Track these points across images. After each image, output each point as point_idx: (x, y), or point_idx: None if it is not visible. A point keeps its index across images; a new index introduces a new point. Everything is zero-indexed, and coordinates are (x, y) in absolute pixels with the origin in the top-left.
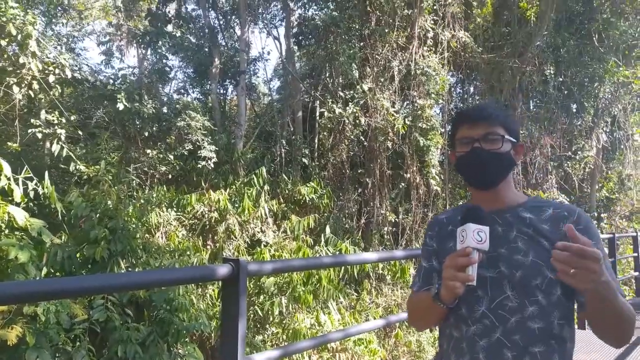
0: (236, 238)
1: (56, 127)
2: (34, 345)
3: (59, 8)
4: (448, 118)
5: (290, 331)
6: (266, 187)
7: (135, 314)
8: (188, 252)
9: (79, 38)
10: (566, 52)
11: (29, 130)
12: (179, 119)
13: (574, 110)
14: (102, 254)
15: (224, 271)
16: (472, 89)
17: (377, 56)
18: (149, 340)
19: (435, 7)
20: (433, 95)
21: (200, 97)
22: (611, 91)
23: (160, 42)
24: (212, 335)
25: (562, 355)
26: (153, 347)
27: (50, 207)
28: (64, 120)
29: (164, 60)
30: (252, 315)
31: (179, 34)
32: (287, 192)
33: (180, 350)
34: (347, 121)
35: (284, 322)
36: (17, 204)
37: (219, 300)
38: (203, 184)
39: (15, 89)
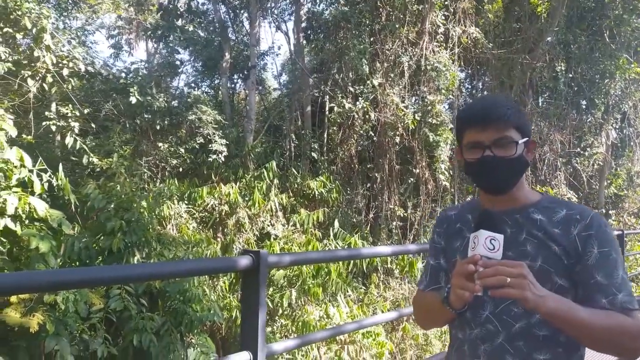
0: (246, 231)
1: (70, 120)
2: (53, 333)
3: (70, 1)
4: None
5: (300, 323)
6: (276, 181)
7: (150, 304)
8: (201, 245)
9: (90, 31)
10: (577, 48)
11: (43, 123)
12: (190, 112)
13: (584, 106)
14: (119, 245)
15: (245, 262)
16: (480, 84)
17: (387, 51)
18: (163, 330)
19: (446, 3)
20: (443, 91)
21: (209, 90)
22: (622, 88)
23: (171, 37)
24: (223, 325)
25: None
26: (167, 336)
27: (63, 198)
28: (77, 114)
29: (175, 55)
30: None
31: (191, 28)
32: (296, 186)
33: (192, 340)
34: (356, 116)
35: (294, 314)
36: (38, 196)
37: (229, 292)
38: (213, 177)
39: (30, 81)
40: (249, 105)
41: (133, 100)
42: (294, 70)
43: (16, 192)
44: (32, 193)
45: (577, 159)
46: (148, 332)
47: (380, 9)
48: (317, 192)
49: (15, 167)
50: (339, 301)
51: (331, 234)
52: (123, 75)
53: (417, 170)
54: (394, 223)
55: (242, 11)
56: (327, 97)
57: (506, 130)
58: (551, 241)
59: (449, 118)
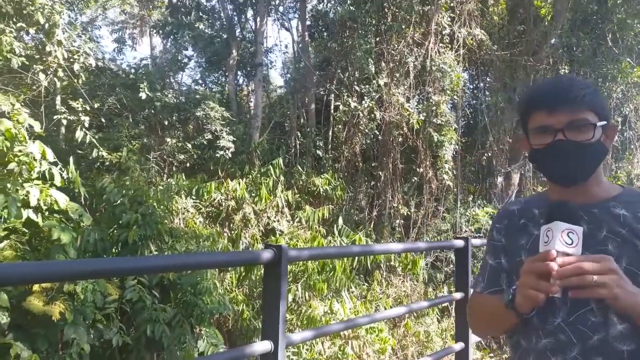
0: (252, 226)
1: (80, 114)
2: (72, 322)
3: None
4: (462, 114)
5: (305, 318)
6: (282, 178)
7: (161, 296)
8: (212, 239)
9: (96, 26)
10: (580, 51)
11: (54, 117)
12: (198, 108)
13: None
14: (135, 237)
15: (267, 256)
16: (481, 84)
17: (392, 51)
18: (175, 321)
19: (452, 4)
20: (448, 92)
21: (214, 87)
22: (623, 91)
23: (180, 33)
24: (230, 319)
25: None
26: (178, 327)
27: (73, 191)
28: (88, 108)
29: (184, 51)
30: None
31: (202, 26)
32: (301, 182)
33: (202, 332)
34: (361, 115)
35: (299, 309)
36: (58, 188)
37: (235, 286)
38: (220, 172)
39: (42, 76)
40: (255, 102)
41: (143, 95)
42: (299, 68)
43: (37, 184)
44: (52, 185)
45: None
46: (161, 323)
47: (387, 10)
48: (321, 189)
49: (35, 159)
50: (343, 297)
51: (335, 231)
52: (133, 70)
53: (421, 170)
54: (397, 221)
55: (247, 8)
56: (332, 95)
57: (582, 113)
58: (637, 239)
59: (453, 118)
